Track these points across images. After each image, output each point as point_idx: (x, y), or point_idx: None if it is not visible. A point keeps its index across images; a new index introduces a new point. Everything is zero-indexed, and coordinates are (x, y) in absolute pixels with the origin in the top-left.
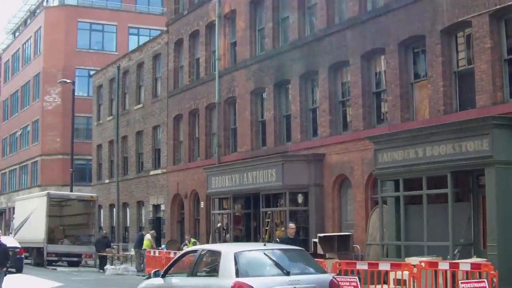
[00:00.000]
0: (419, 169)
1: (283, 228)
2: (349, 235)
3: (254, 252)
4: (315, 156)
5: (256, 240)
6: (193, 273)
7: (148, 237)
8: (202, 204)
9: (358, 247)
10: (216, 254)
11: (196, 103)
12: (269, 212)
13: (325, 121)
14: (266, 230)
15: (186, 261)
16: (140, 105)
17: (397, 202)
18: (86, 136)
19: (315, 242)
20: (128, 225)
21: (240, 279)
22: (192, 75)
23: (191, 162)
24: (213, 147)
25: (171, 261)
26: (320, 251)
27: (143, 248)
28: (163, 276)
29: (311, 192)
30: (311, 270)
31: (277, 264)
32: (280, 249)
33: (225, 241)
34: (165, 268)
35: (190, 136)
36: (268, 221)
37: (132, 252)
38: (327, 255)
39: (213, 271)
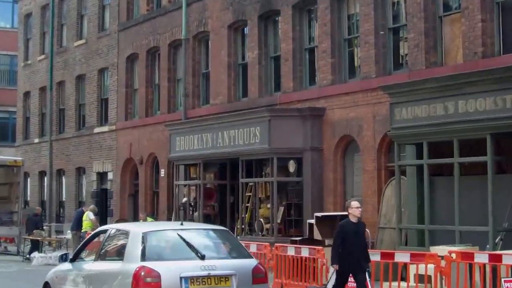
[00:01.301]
0: (449, 130)
1: (268, 206)
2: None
3: (166, 232)
4: (312, 110)
5: (233, 220)
6: (100, 257)
7: (90, 215)
8: (162, 173)
9: (368, 231)
10: (125, 234)
11: (156, 39)
12: (251, 184)
13: (325, 64)
14: (247, 207)
15: (98, 242)
16: (82, 41)
17: (420, 172)
18: (10, 80)
19: (310, 224)
20: (63, 199)
21: (146, 263)
22: (151, 3)
23: (149, 116)
24: (178, 97)
25: (82, 243)
26: (317, 236)
27: (83, 229)
28: (72, 261)
29: (307, 158)
30: (233, 254)
31: (191, 247)
32: (198, 229)
33: (192, 220)
34: (75, 251)
35: (147, 82)
36: (249, 196)
37: (68, 235)
38: (326, 242)
39: (119, 254)
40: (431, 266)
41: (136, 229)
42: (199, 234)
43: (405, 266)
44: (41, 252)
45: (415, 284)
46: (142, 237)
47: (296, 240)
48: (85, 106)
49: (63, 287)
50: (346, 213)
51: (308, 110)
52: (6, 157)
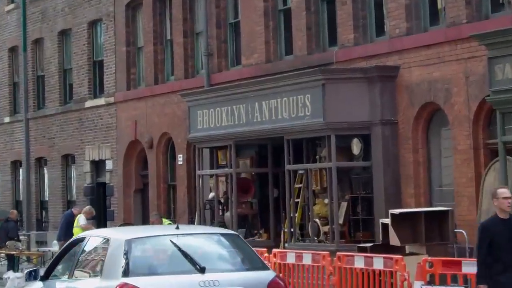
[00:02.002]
0: None
1: (326, 201)
2: (446, 211)
3: (157, 239)
4: (382, 70)
5: (278, 222)
6: (75, 273)
7: (81, 220)
8: (180, 159)
9: (464, 233)
10: (105, 243)
11: None
12: (301, 172)
13: (398, 8)
14: (297, 203)
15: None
16: None
17: None
18: None
19: (384, 225)
20: (46, 198)
21: (129, 280)
22: None
23: (160, 84)
24: (199, 56)
25: (55, 255)
26: (394, 240)
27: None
28: (43, 279)
29: (376, 135)
30: (242, 265)
31: (188, 257)
32: (198, 234)
33: (222, 223)
34: (47, 267)
35: (156, 38)
36: (299, 188)
37: (54, 246)
38: (407, 248)
39: (97, 268)
40: None
41: (118, 235)
42: (199, 240)
43: None
44: (18, 271)
45: None
46: (125, 246)
47: (366, 248)
48: (71, 72)
49: None
50: (435, 208)
51: (376, 70)
52: None
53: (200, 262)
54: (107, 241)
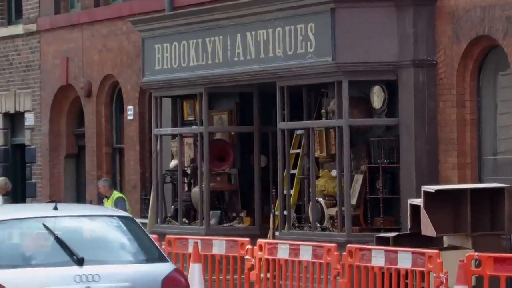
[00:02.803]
0: None
1: (333, 173)
2: (502, 189)
3: (26, 222)
4: None
5: (267, 202)
6: None
7: None
8: (130, 112)
9: None
10: None
11: None
12: (299, 132)
13: None
14: (293, 176)
15: None
16: None
17: None
18: None
19: (414, 207)
20: None
21: None
22: None
23: (102, 6)
24: None
25: None
26: (427, 229)
27: None
28: None
29: (406, 81)
30: (132, 256)
31: (64, 246)
32: (81, 216)
33: (188, 202)
34: None
35: None
36: (297, 155)
37: None
38: (445, 240)
39: None
40: None
41: None
42: (81, 224)
43: None
44: None
45: None
46: None
47: (388, 238)
48: None
49: None
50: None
51: None
52: None
53: (79, 251)
54: None
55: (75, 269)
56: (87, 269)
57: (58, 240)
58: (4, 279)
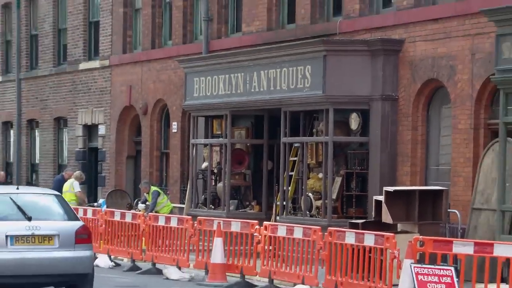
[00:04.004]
0: None
1: (320, 175)
2: (441, 191)
3: (1, 196)
4: (386, 43)
5: (271, 195)
6: None
7: (75, 186)
8: (174, 127)
9: (458, 213)
10: None
11: None
12: (296, 145)
13: None
14: (291, 177)
15: None
16: None
17: None
18: None
19: (377, 202)
20: (37, 161)
21: None
22: None
23: (157, 49)
24: (198, 22)
25: None
26: (386, 218)
27: None
28: None
29: (376, 110)
30: (59, 216)
31: (20, 209)
32: (31, 193)
33: (214, 194)
34: None
35: (154, 0)
36: (294, 161)
37: None
38: (399, 226)
39: None
40: None
41: None
42: (31, 198)
43: (508, 262)
44: None
45: None
46: None
47: (358, 224)
48: (66, 32)
49: None
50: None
51: (380, 43)
52: None
53: (29, 213)
54: None
55: (26, 223)
56: (33, 223)
57: (18, 206)
58: None
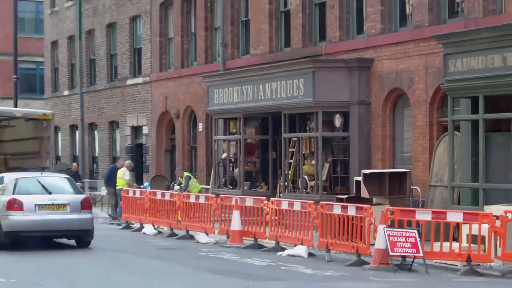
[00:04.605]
0: (507, 83)
1: (313, 162)
2: (405, 172)
3: (30, 178)
4: (360, 62)
5: (275, 177)
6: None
7: (126, 175)
8: (200, 127)
9: (418, 189)
10: (2, 179)
11: None
12: (294, 139)
13: (374, 12)
14: (290, 164)
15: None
16: None
17: (475, 128)
18: (36, 29)
19: (357, 182)
20: (96, 154)
21: (15, 196)
22: None
23: (185, 68)
24: (216, 47)
25: None
26: (364, 194)
27: (118, 187)
28: None
29: (354, 112)
30: (69, 191)
31: (43, 187)
32: (49, 177)
33: (232, 178)
34: None
35: (183, 31)
36: (292, 152)
37: (102, 191)
38: (374, 200)
39: (3, 191)
40: (485, 226)
41: (11, 176)
42: (51, 179)
43: (458, 226)
44: None
45: (467, 245)
46: (15, 180)
47: (342, 198)
48: (116, 57)
49: None
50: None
51: (355, 61)
52: (35, 110)
53: (49, 189)
54: (2, 178)
55: (48, 196)
56: (52, 196)
57: (42, 185)
58: (22, 198)
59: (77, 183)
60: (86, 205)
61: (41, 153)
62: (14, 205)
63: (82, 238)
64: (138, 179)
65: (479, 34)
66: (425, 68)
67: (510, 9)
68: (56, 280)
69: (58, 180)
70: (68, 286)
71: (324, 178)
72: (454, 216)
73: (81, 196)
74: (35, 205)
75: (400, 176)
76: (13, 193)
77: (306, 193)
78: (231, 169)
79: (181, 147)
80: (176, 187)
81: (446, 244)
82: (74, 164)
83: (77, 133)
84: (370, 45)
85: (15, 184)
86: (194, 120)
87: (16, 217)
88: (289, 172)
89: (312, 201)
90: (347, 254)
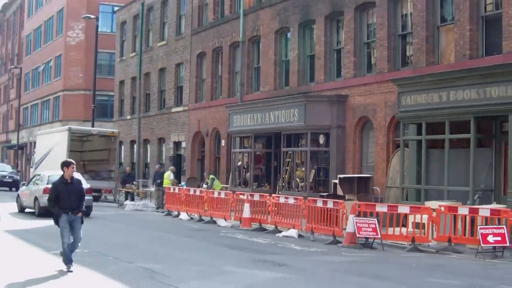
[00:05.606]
0: (442, 113)
1: (303, 169)
2: (369, 177)
3: (56, 175)
4: (338, 97)
5: (276, 180)
6: (29, 183)
7: (171, 176)
8: (223, 143)
9: (378, 189)
10: (40, 175)
11: (220, 41)
12: (290, 152)
13: (349, 62)
14: (287, 169)
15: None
16: (164, 42)
17: (419, 145)
18: (109, 72)
19: (335, 183)
20: (148, 161)
21: (46, 185)
22: (217, 13)
23: (213, 100)
24: (236, 85)
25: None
26: (339, 192)
27: (164, 185)
28: (27, 185)
29: (333, 133)
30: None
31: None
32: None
33: (245, 180)
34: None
35: (213, 74)
36: (288, 161)
37: (151, 188)
38: (346, 197)
39: (39, 182)
40: (425, 216)
41: (45, 173)
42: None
43: (406, 216)
44: (132, 200)
45: (412, 230)
46: (48, 176)
47: (324, 195)
48: (165, 92)
49: (23, 197)
50: (363, 175)
51: (335, 97)
52: (106, 129)
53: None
54: (41, 174)
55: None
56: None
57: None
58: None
59: (134, 182)
60: (88, 191)
61: (109, 160)
62: (46, 191)
63: (86, 210)
64: (178, 179)
65: (423, 79)
66: (385, 102)
67: (445, 61)
68: (121, 252)
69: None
70: (132, 256)
71: (311, 180)
72: (403, 209)
73: (86, 186)
74: None
75: (365, 179)
76: (46, 184)
77: (298, 191)
78: (244, 173)
79: (209, 157)
80: (204, 186)
81: (397, 229)
82: (128, 168)
83: (135, 146)
84: (346, 85)
85: (48, 178)
86: (219, 137)
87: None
88: (286, 176)
89: (302, 197)
90: (326, 236)
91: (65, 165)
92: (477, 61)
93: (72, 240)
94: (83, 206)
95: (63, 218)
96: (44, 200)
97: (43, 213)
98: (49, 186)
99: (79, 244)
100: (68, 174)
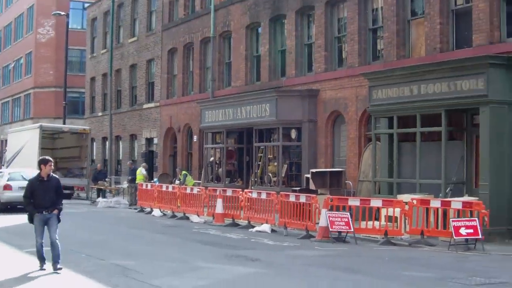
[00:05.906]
0: (414, 107)
1: (275, 163)
2: (341, 171)
3: (17, 172)
4: (309, 91)
5: (248, 175)
6: None
7: (143, 171)
8: (195, 138)
9: (350, 183)
10: (1, 172)
11: (191, 37)
12: (262, 147)
13: (320, 56)
14: (259, 165)
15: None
16: (135, 38)
17: (391, 139)
18: (80, 69)
19: (307, 178)
20: (120, 158)
21: (7, 182)
22: (188, 9)
23: (185, 96)
24: (207, 81)
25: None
26: (312, 186)
27: (136, 181)
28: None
29: (305, 128)
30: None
31: (23, 177)
32: (28, 172)
33: (217, 175)
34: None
35: (184, 70)
36: (261, 156)
37: (124, 185)
38: (319, 191)
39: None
40: (398, 210)
41: (6, 170)
42: (27, 173)
43: (378, 209)
44: (104, 197)
45: (385, 223)
46: (9, 173)
47: (296, 190)
48: (136, 88)
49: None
50: (335, 169)
51: (307, 91)
52: (78, 126)
53: (26, 178)
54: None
55: (25, 181)
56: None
57: (22, 176)
58: (11, 183)
59: (106, 179)
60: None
61: (81, 157)
62: (7, 187)
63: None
64: (150, 175)
65: (394, 72)
66: (356, 96)
67: (415, 55)
68: (94, 249)
69: (32, 173)
70: (104, 253)
71: (283, 175)
72: (375, 202)
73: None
74: (19, 187)
75: (338, 173)
76: (7, 180)
77: (270, 186)
78: (216, 169)
79: (181, 153)
80: (177, 182)
81: (370, 223)
82: (99, 165)
83: (107, 143)
84: (317, 80)
85: (9, 175)
86: (191, 133)
87: (8, 194)
88: (258, 171)
89: (274, 192)
90: (299, 230)
91: (42, 162)
92: (448, 54)
93: (50, 241)
94: (61, 204)
95: (37, 218)
96: (5, 196)
97: (3, 208)
98: (9, 182)
99: (58, 243)
100: (45, 172)
